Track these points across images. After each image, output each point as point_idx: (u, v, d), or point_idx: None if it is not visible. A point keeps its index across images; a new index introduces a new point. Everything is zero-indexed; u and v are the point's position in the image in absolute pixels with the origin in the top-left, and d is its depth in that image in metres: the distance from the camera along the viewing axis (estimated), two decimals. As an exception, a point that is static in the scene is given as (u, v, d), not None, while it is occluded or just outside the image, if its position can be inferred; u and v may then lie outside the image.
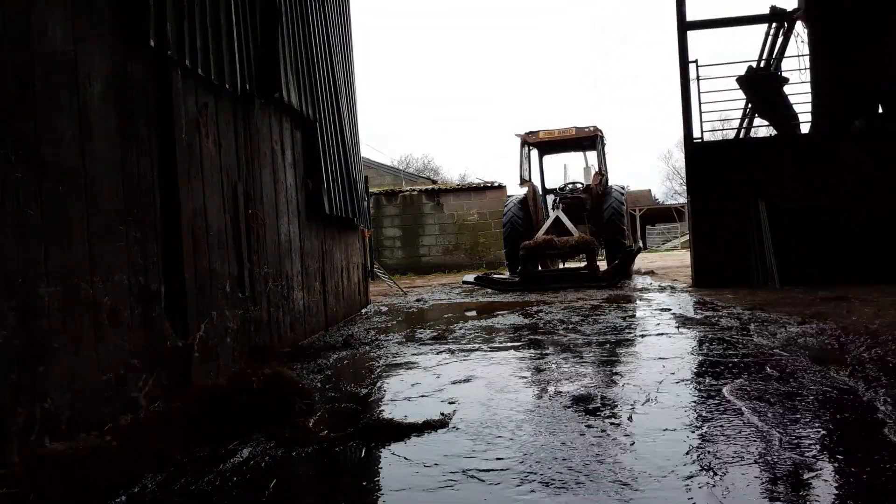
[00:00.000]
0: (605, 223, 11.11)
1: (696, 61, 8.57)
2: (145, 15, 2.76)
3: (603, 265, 10.77)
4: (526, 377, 3.24)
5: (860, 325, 4.01)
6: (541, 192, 12.34)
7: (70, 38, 2.29)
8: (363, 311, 7.34)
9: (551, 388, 3.00)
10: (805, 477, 1.73)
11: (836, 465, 1.83)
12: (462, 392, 2.90)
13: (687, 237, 13.68)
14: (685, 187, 11.72)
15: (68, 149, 2.24)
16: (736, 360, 3.30)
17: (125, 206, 2.58)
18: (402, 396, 2.91)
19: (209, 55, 3.38)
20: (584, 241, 9.61)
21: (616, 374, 3.19)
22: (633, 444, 2.07)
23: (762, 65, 9.42)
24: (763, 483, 1.71)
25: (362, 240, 7.93)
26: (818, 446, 1.96)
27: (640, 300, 7.00)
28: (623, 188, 11.91)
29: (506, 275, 10.99)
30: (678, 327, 4.66)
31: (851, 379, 2.74)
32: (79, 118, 2.31)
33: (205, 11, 3.37)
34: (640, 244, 24.65)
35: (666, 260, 19.01)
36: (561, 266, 12.11)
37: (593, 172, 12.13)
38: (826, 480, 1.72)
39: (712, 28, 9.05)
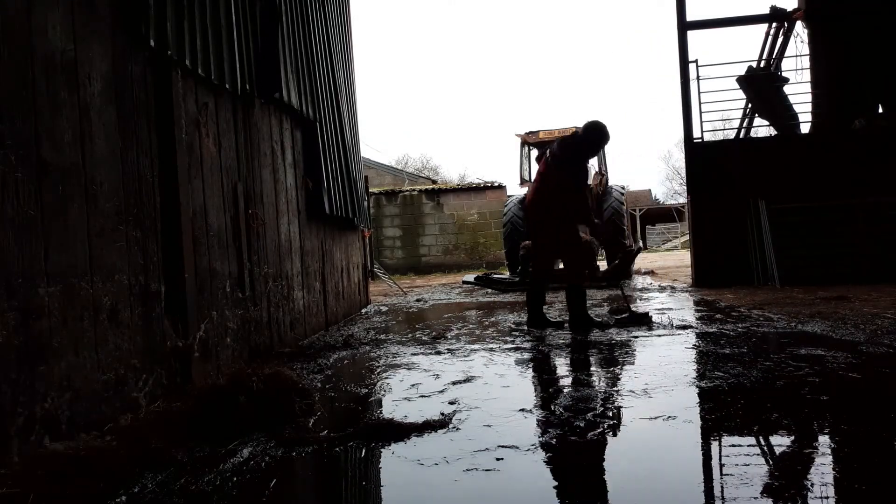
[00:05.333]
0: (605, 223, 11.09)
1: (696, 61, 8.58)
2: (145, 15, 2.76)
3: (603, 265, 10.76)
4: (527, 377, 3.24)
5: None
6: (541, 192, 12.30)
7: (70, 37, 2.29)
8: (363, 310, 7.33)
9: (551, 389, 3.00)
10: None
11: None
12: (462, 392, 2.90)
13: (687, 237, 13.68)
14: (685, 187, 11.71)
15: (68, 148, 2.24)
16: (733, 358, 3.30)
17: (125, 206, 2.58)
18: (402, 396, 2.91)
19: (209, 55, 3.38)
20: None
21: (616, 375, 3.18)
22: (626, 445, 2.07)
23: (762, 65, 9.42)
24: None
25: (362, 240, 7.93)
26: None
27: (641, 300, 7.00)
28: (623, 188, 11.89)
29: (506, 275, 10.98)
30: (677, 327, 4.67)
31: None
32: (79, 118, 2.31)
33: (205, 11, 3.36)
34: (641, 244, 24.62)
35: (666, 260, 19.00)
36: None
37: (593, 172, 12.11)
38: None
39: (712, 28, 9.06)
